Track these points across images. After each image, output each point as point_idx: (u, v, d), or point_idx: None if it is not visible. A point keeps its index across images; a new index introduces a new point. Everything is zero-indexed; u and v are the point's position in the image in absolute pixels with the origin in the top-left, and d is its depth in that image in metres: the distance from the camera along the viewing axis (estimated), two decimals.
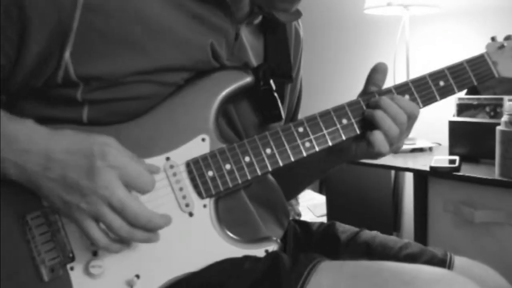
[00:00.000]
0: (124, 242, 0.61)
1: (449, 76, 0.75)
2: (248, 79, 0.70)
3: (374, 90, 0.74)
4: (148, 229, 0.60)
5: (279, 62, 0.79)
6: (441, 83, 0.75)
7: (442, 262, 0.76)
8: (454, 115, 1.54)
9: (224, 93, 0.69)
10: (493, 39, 0.82)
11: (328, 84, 2.36)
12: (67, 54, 0.61)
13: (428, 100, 0.75)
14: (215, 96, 0.68)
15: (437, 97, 0.75)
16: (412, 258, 0.77)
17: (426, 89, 0.74)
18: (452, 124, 1.51)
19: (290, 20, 0.79)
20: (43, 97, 0.65)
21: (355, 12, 2.15)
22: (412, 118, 0.72)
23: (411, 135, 1.74)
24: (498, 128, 1.28)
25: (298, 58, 0.88)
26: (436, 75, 0.75)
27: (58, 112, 0.65)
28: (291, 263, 0.64)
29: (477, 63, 0.78)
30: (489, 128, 1.35)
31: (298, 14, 0.80)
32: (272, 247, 0.68)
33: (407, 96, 0.73)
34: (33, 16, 0.59)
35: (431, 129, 1.88)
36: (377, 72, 0.74)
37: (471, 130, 1.47)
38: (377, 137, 0.70)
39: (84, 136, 0.60)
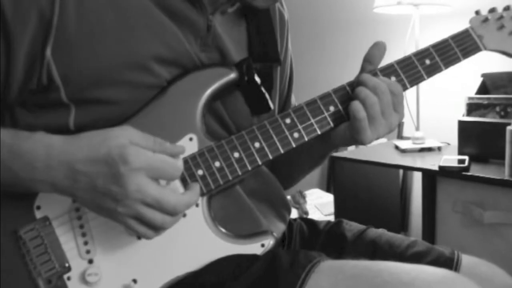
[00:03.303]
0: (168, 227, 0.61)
1: (435, 53, 0.74)
2: (232, 75, 0.69)
3: (369, 69, 0.73)
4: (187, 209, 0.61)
5: (265, 46, 0.78)
6: (427, 62, 0.74)
7: (450, 261, 0.75)
8: (463, 115, 1.53)
9: (208, 91, 0.68)
10: (477, 13, 0.81)
11: (337, 83, 2.36)
12: (48, 52, 0.61)
13: (415, 80, 0.73)
14: (200, 94, 0.68)
15: (424, 76, 0.74)
16: (418, 256, 0.76)
17: (412, 69, 0.73)
18: (461, 124, 1.50)
19: (267, 5, 0.77)
20: (29, 104, 0.64)
21: (365, 10, 2.14)
22: (395, 94, 0.70)
23: (420, 134, 1.75)
24: (509, 128, 1.27)
25: (285, 40, 0.86)
26: (421, 54, 0.74)
27: (45, 119, 0.65)
28: (290, 263, 0.63)
29: (462, 38, 0.77)
30: (499, 128, 1.34)
31: None
32: (268, 241, 0.67)
33: (393, 78, 0.72)
34: (14, 18, 0.59)
35: (440, 129, 1.87)
36: (374, 48, 0.73)
37: (481, 130, 1.46)
38: (353, 104, 0.68)
39: (101, 140, 0.59)
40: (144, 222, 0.59)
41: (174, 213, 0.59)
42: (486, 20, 0.79)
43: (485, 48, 0.78)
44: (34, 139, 0.60)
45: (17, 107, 0.65)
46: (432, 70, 0.74)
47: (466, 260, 0.76)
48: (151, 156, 0.59)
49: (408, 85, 0.73)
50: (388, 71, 0.73)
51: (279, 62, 0.81)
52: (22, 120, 0.65)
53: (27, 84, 0.62)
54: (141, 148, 0.58)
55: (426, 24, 1.91)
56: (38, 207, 0.64)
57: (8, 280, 0.62)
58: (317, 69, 2.42)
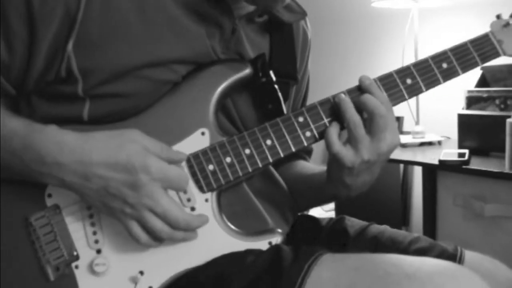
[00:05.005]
0: (163, 240, 0.64)
1: (452, 57, 0.73)
2: (246, 71, 0.69)
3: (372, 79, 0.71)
4: (187, 230, 0.64)
5: (284, 62, 0.78)
6: (444, 65, 0.72)
7: (453, 257, 0.75)
8: (463, 108, 1.53)
9: (222, 86, 0.68)
10: (498, 17, 0.79)
11: (336, 79, 2.35)
12: (69, 46, 0.62)
13: (431, 83, 0.72)
14: (214, 89, 0.68)
15: (441, 79, 0.72)
16: (421, 252, 0.76)
17: (428, 72, 0.72)
18: (461, 117, 1.51)
19: (294, 20, 0.78)
20: (45, 94, 0.65)
21: (363, 5, 2.14)
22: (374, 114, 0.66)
23: (419, 129, 1.75)
24: (508, 120, 1.27)
25: (305, 59, 0.86)
26: (439, 57, 0.73)
27: (59, 109, 0.65)
28: (292, 257, 0.63)
29: (481, 42, 0.75)
30: (499, 121, 1.34)
31: (302, 15, 0.79)
32: (276, 239, 0.68)
33: (409, 80, 0.71)
34: (40, 10, 0.60)
35: (440, 123, 1.87)
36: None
37: (481, 123, 1.46)
38: (369, 99, 0.67)
39: (117, 144, 0.60)
40: (143, 226, 0.62)
41: (175, 226, 0.62)
42: (507, 25, 0.77)
43: (505, 54, 0.76)
44: (46, 132, 0.61)
45: (33, 95, 0.66)
46: (449, 74, 0.73)
47: (469, 256, 0.76)
48: (168, 168, 0.62)
49: (423, 88, 0.72)
50: (404, 73, 0.72)
51: (296, 81, 0.81)
52: (38, 108, 0.66)
53: (45, 75, 0.63)
54: (160, 159, 0.61)
55: (425, 18, 1.90)
56: (49, 195, 0.65)
57: (17, 267, 0.63)
58: (315, 65, 2.41)
